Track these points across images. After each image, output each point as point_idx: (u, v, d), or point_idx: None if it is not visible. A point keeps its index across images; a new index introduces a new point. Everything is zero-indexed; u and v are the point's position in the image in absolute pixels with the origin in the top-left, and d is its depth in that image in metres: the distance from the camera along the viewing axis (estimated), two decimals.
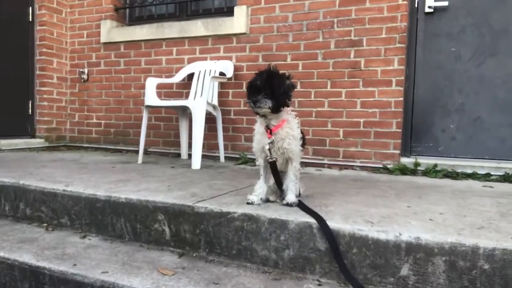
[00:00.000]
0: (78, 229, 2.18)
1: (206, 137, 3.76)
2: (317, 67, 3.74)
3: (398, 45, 3.45)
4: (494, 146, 3.35)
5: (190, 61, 4.28)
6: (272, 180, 1.98)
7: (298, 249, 1.66)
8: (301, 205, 1.85)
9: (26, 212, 2.36)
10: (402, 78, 3.45)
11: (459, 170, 3.21)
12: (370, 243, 1.54)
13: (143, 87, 4.30)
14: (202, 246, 1.85)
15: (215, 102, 3.91)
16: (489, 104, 3.36)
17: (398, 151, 3.47)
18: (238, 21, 4.03)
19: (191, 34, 4.26)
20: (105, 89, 4.82)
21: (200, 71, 4.07)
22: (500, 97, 3.34)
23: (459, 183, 2.93)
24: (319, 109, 3.73)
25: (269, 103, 1.79)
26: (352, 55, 3.61)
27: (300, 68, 3.80)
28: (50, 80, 4.86)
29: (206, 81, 3.72)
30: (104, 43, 4.79)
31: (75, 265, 1.72)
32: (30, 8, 4.81)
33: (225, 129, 4.00)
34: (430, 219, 1.71)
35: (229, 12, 4.14)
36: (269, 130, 1.88)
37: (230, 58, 4.09)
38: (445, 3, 3.44)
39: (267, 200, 1.98)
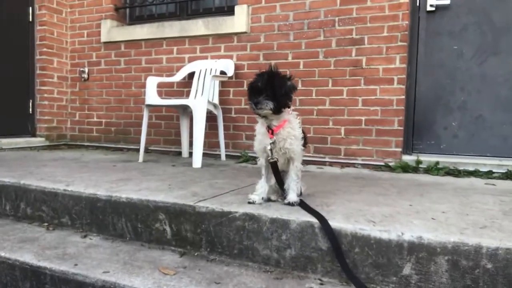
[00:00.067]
0: (79, 229, 2.18)
1: (207, 136, 3.75)
2: (318, 65, 3.73)
3: (399, 43, 3.44)
4: (496, 144, 3.33)
5: (191, 60, 4.27)
6: (273, 180, 1.97)
7: (299, 249, 1.65)
8: (302, 205, 1.84)
9: (27, 212, 2.36)
10: (404, 76, 3.44)
11: (461, 168, 3.20)
12: (372, 243, 1.53)
13: (143, 86, 4.28)
14: (204, 246, 1.85)
15: (216, 101, 3.91)
16: (491, 102, 3.35)
17: (400, 149, 3.46)
18: (239, 20, 4.02)
19: (191, 33, 4.26)
20: (106, 88, 4.82)
21: (200, 70, 4.06)
22: (502, 95, 3.32)
23: (461, 180, 2.92)
24: (320, 107, 3.72)
25: (270, 105, 1.78)
26: (353, 53, 3.60)
27: (301, 66, 3.79)
28: (50, 80, 4.86)
29: (206, 80, 3.71)
30: (105, 42, 4.78)
31: (76, 265, 1.71)
32: (30, 8, 4.80)
33: (226, 128, 3.99)
34: (433, 218, 1.70)
35: (230, 11, 4.13)
36: (270, 130, 1.87)
37: (231, 57, 4.08)
38: (447, 2, 3.43)
39: (268, 200, 1.97)
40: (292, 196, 1.89)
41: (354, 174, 3.19)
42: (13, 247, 1.92)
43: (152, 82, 3.79)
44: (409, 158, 3.42)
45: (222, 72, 3.96)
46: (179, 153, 4.21)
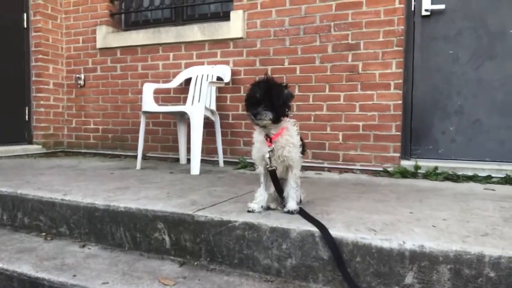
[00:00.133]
0: (77, 238, 2.16)
1: (204, 142, 3.73)
2: (314, 71, 3.73)
3: (395, 48, 3.45)
4: (494, 148, 3.34)
5: (187, 66, 4.26)
6: (272, 188, 1.96)
7: (300, 258, 1.64)
8: (302, 213, 1.84)
9: (24, 221, 2.33)
10: (401, 81, 3.45)
11: (459, 173, 3.21)
12: (373, 252, 1.53)
13: (140, 92, 4.27)
14: (203, 255, 1.83)
15: (213, 107, 3.90)
16: (487, 107, 3.36)
17: (398, 154, 3.46)
18: (235, 26, 4.02)
19: (187, 39, 4.25)
20: (102, 94, 4.80)
21: (197, 76, 4.05)
22: (498, 100, 3.34)
23: (460, 186, 2.92)
24: (317, 112, 3.72)
25: (269, 115, 1.78)
26: (349, 58, 3.60)
27: (298, 72, 3.79)
28: (46, 86, 4.83)
29: (203, 86, 3.71)
30: (100, 48, 4.76)
31: (75, 276, 1.69)
32: (25, 14, 4.78)
33: (223, 134, 3.98)
34: (433, 226, 1.70)
35: (225, 16, 4.13)
36: (268, 138, 1.86)
37: (227, 63, 4.07)
38: (442, 6, 3.44)
39: (268, 208, 1.96)
40: (292, 204, 1.88)
41: (353, 180, 3.19)
42: (11, 257, 1.90)
43: (148, 89, 3.78)
44: (407, 163, 3.42)
45: (219, 78, 3.96)
46: (177, 160, 4.19)
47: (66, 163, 4.01)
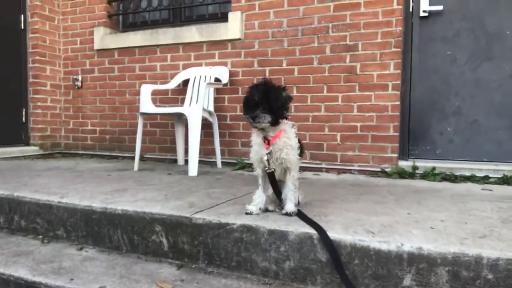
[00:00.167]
0: (74, 241, 2.15)
1: (202, 143, 3.73)
2: (313, 72, 3.73)
3: (393, 49, 3.45)
4: (492, 149, 3.35)
5: (185, 67, 4.25)
6: (270, 190, 1.96)
7: (298, 260, 1.64)
8: (300, 215, 1.83)
9: (21, 224, 2.32)
10: (399, 82, 3.45)
11: (457, 173, 3.21)
12: (371, 254, 1.52)
13: (137, 93, 4.26)
14: (201, 258, 1.83)
15: (211, 108, 3.89)
16: (485, 108, 3.37)
17: (396, 155, 3.46)
18: (233, 27, 4.01)
19: (185, 40, 4.24)
20: (100, 96, 4.78)
21: (195, 77, 4.05)
22: (496, 101, 3.34)
23: (458, 186, 2.92)
24: (315, 113, 3.72)
25: (268, 118, 1.77)
26: (347, 59, 3.60)
27: (296, 73, 3.79)
28: (43, 88, 4.82)
29: (201, 87, 3.70)
30: (98, 50, 4.75)
31: (72, 279, 1.68)
32: (22, 15, 4.77)
33: (221, 135, 3.98)
34: (431, 228, 1.70)
35: (223, 18, 4.13)
36: (266, 140, 1.86)
37: (225, 64, 4.07)
38: (440, 7, 3.44)
39: (266, 210, 1.96)
40: (290, 206, 1.88)
41: (351, 181, 3.18)
42: (7, 261, 1.89)
43: (146, 90, 3.77)
44: (405, 164, 3.42)
45: (217, 79, 3.95)
46: (175, 161, 4.19)
47: (63, 165, 3.99)
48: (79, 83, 4.88)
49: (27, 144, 4.79)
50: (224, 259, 1.77)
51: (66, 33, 4.98)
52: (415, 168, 3.33)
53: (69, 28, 4.96)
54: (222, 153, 3.98)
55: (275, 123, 1.81)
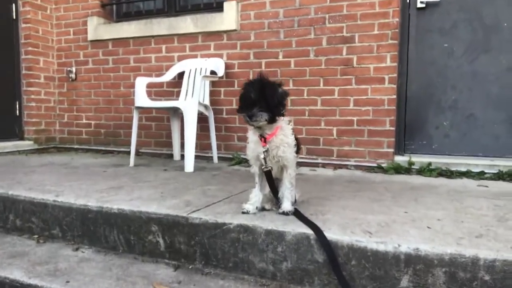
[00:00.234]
0: (70, 241, 2.14)
1: (198, 137, 3.70)
2: (309, 64, 3.69)
3: (390, 41, 3.42)
4: (488, 143, 3.34)
5: (180, 58, 4.20)
6: (267, 188, 1.94)
7: (296, 261, 1.63)
8: (297, 214, 1.82)
9: (16, 224, 2.31)
10: (395, 75, 3.42)
11: (453, 168, 3.20)
12: (369, 255, 1.52)
13: (132, 86, 4.22)
14: (198, 258, 1.82)
15: (207, 101, 3.85)
16: (482, 101, 3.36)
17: (392, 150, 3.45)
18: (228, 17, 3.96)
19: (180, 31, 4.18)
20: (94, 88, 4.73)
21: (190, 70, 4.00)
22: (493, 93, 3.33)
23: (454, 182, 2.92)
24: (312, 107, 3.69)
25: (265, 116, 1.75)
26: (344, 52, 3.57)
27: (292, 65, 3.75)
28: (37, 80, 4.75)
29: (197, 81, 3.66)
30: (92, 40, 4.68)
31: (68, 282, 1.67)
32: (14, 4, 4.67)
33: (217, 129, 3.95)
34: (428, 227, 1.69)
35: (219, 7, 4.06)
36: (263, 138, 1.84)
37: (220, 56, 4.02)
38: None
39: (262, 209, 1.95)
40: (287, 205, 1.87)
41: (348, 177, 3.17)
42: (2, 263, 1.88)
43: (141, 83, 3.72)
44: (401, 159, 3.41)
45: (212, 72, 3.91)
46: (171, 155, 4.16)
47: (58, 160, 3.96)
48: (73, 75, 4.82)
49: (21, 138, 4.74)
50: (221, 259, 1.77)
51: (59, 23, 4.90)
52: (411, 163, 3.31)
53: (62, 18, 4.87)
54: (219, 148, 3.96)
55: (272, 121, 1.79)
